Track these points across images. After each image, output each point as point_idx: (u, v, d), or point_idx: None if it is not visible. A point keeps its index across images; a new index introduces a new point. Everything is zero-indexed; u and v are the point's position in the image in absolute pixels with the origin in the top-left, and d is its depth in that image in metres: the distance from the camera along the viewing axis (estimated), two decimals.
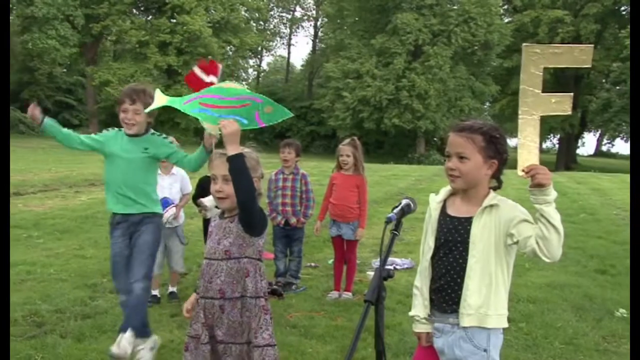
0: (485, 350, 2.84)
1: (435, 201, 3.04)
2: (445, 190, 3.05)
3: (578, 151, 61.63)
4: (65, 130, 4.50)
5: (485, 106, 53.96)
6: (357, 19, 50.57)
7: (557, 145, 59.46)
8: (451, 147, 2.89)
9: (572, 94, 2.97)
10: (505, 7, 52.97)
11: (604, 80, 51.47)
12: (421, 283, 3.03)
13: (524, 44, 2.80)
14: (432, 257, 2.97)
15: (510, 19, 52.00)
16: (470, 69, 47.81)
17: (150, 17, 49.21)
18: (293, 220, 7.03)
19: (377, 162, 33.69)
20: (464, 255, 2.85)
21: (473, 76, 48.09)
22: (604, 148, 72.84)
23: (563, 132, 51.16)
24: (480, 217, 2.84)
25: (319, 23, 63.88)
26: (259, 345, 3.07)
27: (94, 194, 15.15)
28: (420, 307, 3.03)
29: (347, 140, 6.88)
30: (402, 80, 45.42)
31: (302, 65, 68.27)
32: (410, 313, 3.10)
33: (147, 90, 4.32)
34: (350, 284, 6.94)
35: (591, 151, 74.12)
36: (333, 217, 6.89)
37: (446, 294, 2.90)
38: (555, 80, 45.41)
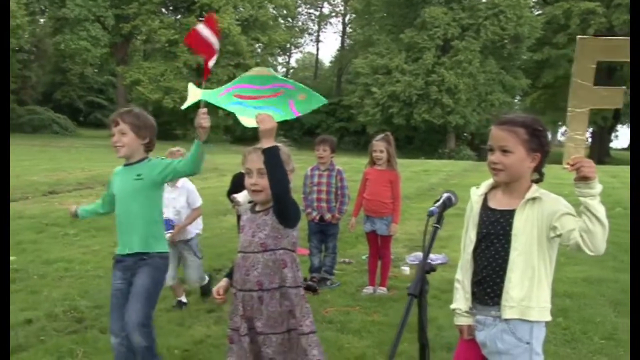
0: (528, 343, 2.83)
1: (476, 194, 3.05)
2: (486, 183, 3.05)
3: (611, 144, 60.82)
4: (93, 206, 4.46)
5: (516, 100, 53.36)
6: (385, 14, 50.38)
7: (590, 139, 58.70)
8: (494, 140, 2.89)
9: (624, 87, 2.94)
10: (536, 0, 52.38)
11: None
12: (462, 276, 3.04)
13: (579, 37, 2.78)
14: (474, 250, 2.97)
15: (540, 11, 51.36)
16: (500, 62, 47.35)
17: (179, 16, 49.49)
18: (328, 216, 7.05)
19: (407, 157, 33.52)
20: (506, 247, 2.85)
21: (503, 70, 47.61)
22: None
23: (596, 126, 50.44)
24: (523, 209, 2.83)
25: (347, 19, 63.73)
26: (304, 333, 3.12)
27: None
28: (461, 300, 3.04)
29: (381, 136, 6.88)
30: (432, 75, 45.17)
31: (331, 62, 68.33)
32: (452, 306, 3.11)
33: (134, 111, 4.10)
34: (385, 279, 6.94)
35: (625, 144, 73.02)
36: (367, 212, 6.90)
37: (488, 286, 2.91)
38: None
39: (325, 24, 69.48)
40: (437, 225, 2.66)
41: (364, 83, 47.24)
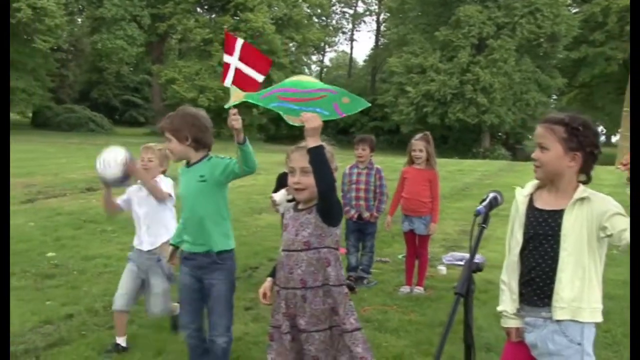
0: (579, 344, 2.81)
1: (522, 195, 3.02)
2: (532, 184, 3.03)
3: None
4: (176, 234, 4.31)
5: (552, 99, 52.73)
6: (419, 13, 50.19)
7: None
8: (535, 138, 2.91)
9: None
10: None
11: None
12: (509, 278, 3.01)
13: None
14: (521, 252, 2.95)
15: (577, 9, 50.69)
16: (535, 61, 46.82)
17: (214, 15, 49.81)
18: (366, 215, 7.02)
19: (441, 157, 33.20)
20: (555, 248, 2.83)
21: (539, 69, 47.07)
22: None
23: None
24: (572, 210, 2.81)
25: (381, 18, 63.56)
26: (347, 330, 3.12)
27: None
28: (508, 301, 3.01)
29: (420, 135, 6.85)
30: (467, 74, 44.89)
31: (365, 61, 68.12)
32: (499, 308, 3.08)
33: (170, 115, 4.08)
34: (422, 279, 6.91)
35: None
36: (405, 211, 6.87)
37: (537, 287, 2.88)
38: (625, 71, 44.18)
39: (360, 23, 69.42)
40: (484, 225, 2.64)
41: (398, 82, 47.11)
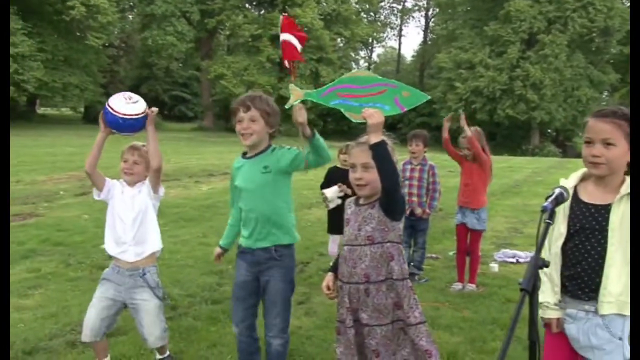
0: (620, 339, 2.77)
1: (567, 186, 2.94)
2: (576, 175, 2.97)
3: None
4: (228, 230, 4.13)
5: (604, 96, 51.68)
6: (468, 8, 49.68)
7: None
8: (595, 133, 2.79)
9: None
10: None
11: None
12: (550, 269, 2.93)
13: None
14: (564, 244, 2.89)
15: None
16: (587, 57, 45.94)
17: (262, 11, 50.10)
18: (419, 211, 6.97)
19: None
20: (602, 243, 2.78)
21: (591, 64, 46.15)
22: None
23: None
24: (619, 204, 2.76)
25: (429, 13, 63.11)
26: (411, 324, 3.11)
27: (213, 184, 15.62)
28: (549, 292, 2.96)
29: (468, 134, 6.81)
30: (516, 69, 44.30)
31: (413, 56, 67.77)
32: (539, 300, 2.95)
33: (263, 96, 3.81)
34: (474, 276, 6.83)
35: None
36: (460, 203, 6.84)
37: (582, 281, 2.84)
38: None
39: (408, 18, 68.97)
40: (549, 221, 2.57)
41: (447, 78, 46.73)
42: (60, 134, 31.32)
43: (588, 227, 2.82)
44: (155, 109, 4.11)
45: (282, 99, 45.16)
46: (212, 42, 52.60)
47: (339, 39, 51.82)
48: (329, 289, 3.31)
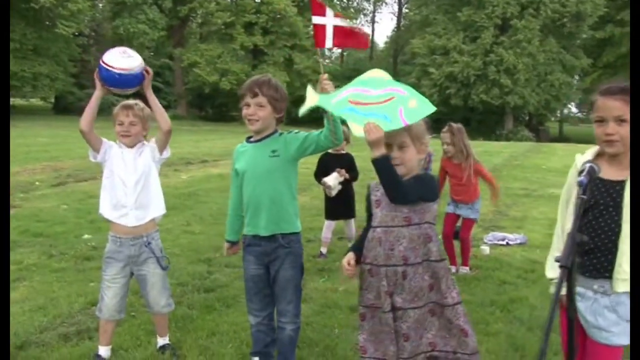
0: (627, 321, 2.72)
1: (582, 162, 2.88)
2: (591, 151, 2.93)
3: None
4: (230, 220, 3.95)
5: (575, 80, 52.10)
6: None
7: None
8: (606, 111, 2.75)
9: None
10: None
11: None
12: (562, 245, 2.90)
13: None
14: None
15: None
16: (560, 41, 46.16)
17: None
18: None
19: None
20: (616, 219, 2.74)
21: (563, 49, 46.43)
22: None
23: None
24: None
25: None
26: (448, 304, 3.05)
27: (192, 172, 15.44)
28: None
29: (445, 128, 6.70)
30: (490, 55, 44.41)
31: (386, 43, 67.73)
32: (550, 275, 3.02)
33: (272, 81, 3.67)
34: (467, 259, 6.79)
35: None
36: (453, 196, 6.74)
37: (595, 257, 2.80)
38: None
39: (381, 4, 68.83)
40: (584, 196, 2.49)
41: (422, 64, 46.74)
42: (31, 125, 30.74)
43: (602, 202, 2.78)
44: (150, 70, 3.99)
45: None
46: (185, 29, 52.02)
47: (312, 26, 51.59)
48: (349, 264, 3.19)
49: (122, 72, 3.80)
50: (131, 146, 4.10)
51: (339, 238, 7.97)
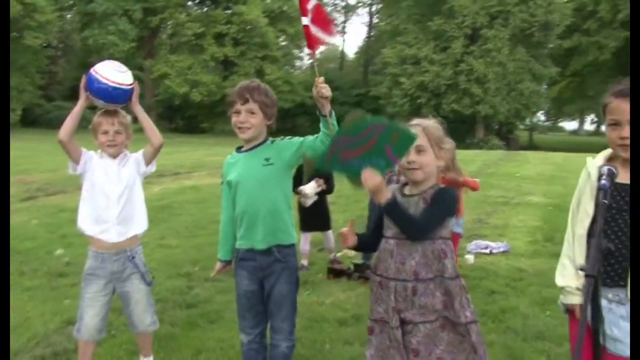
0: None
1: (594, 165, 2.77)
2: (603, 155, 2.81)
3: None
4: (223, 238, 3.70)
5: (544, 89, 52.69)
6: (413, 3, 49.93)
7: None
8: (621, 114, 2.61)
9: None
10: None
11: None
12: (574, 252, 2.81)
13: None
14: (591, 225, 2.73)
15: None
16: (529, 50, 46.63)
17: (206, 9, 49.50)
18: None
19: None
20: (630, 223, 2.58)
21: (532, 58, 46.91)
22: None
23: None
24: None
25: (373, 9, 63.31)
26: (461, 323, 2.87)
27: (165, 185, 15.17)
28: (572, 276, 2.82)
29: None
30: (460, 64, 44.66)
31: (356, 53, 67.87)
32: (560, 283, 2.88)
33: (262, 86, 3.51)
34: None
35: None
36: None
37: (608, 264, 2.66)
38: (617, 59, 44.31)
39: (352, 15, 69.05)
40: (606, 201, 2.36)
41: (392, 73, 46.86)
42: None
43: (616, 206, 2.64)
44: (137, 84, 3.84)
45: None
46: (155, 40, 51.70)
47: (282, 37, 51.53)
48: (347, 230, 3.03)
49: (116, 85, 3.67)
50: (114, 156, 3.89)
51: (319, 250, 7.81)
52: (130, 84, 3.77)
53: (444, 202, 2.92)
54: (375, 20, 62.97)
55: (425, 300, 2.87)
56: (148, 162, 3.97)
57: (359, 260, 6.83)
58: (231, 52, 46.01)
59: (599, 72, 48.82)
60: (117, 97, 3.73)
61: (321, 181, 6.67)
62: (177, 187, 14.81)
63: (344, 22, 68.78)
